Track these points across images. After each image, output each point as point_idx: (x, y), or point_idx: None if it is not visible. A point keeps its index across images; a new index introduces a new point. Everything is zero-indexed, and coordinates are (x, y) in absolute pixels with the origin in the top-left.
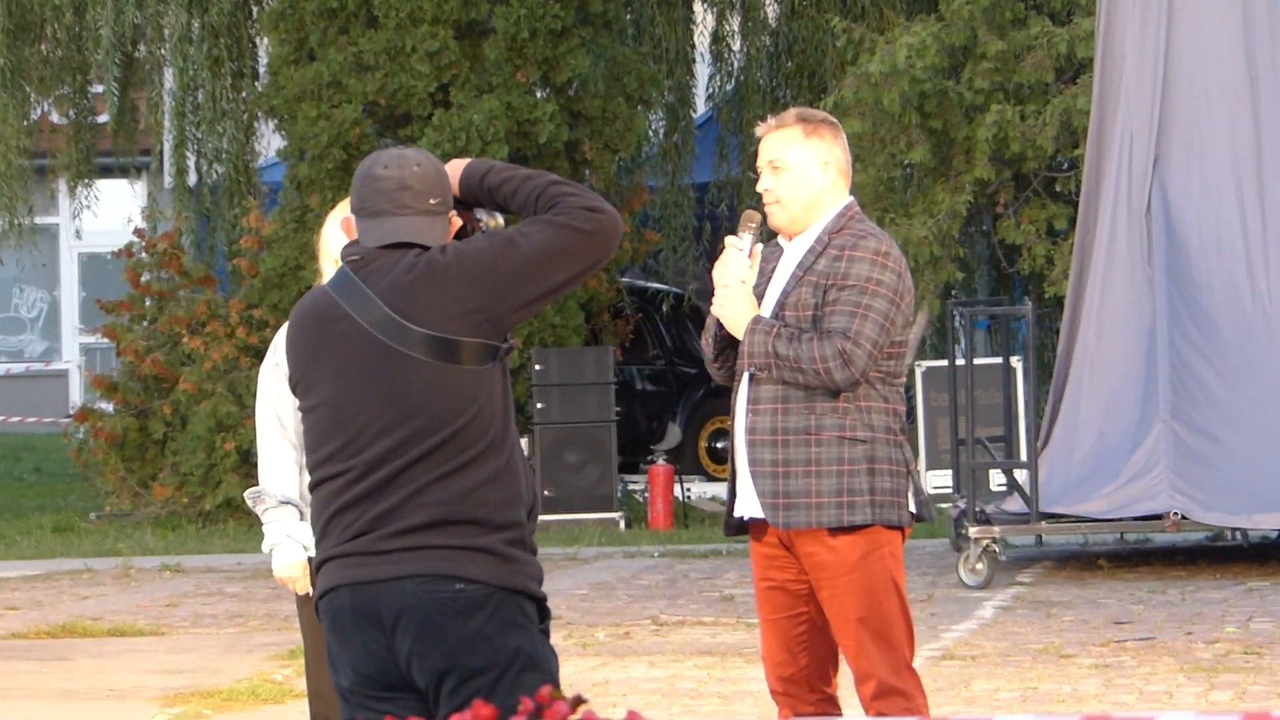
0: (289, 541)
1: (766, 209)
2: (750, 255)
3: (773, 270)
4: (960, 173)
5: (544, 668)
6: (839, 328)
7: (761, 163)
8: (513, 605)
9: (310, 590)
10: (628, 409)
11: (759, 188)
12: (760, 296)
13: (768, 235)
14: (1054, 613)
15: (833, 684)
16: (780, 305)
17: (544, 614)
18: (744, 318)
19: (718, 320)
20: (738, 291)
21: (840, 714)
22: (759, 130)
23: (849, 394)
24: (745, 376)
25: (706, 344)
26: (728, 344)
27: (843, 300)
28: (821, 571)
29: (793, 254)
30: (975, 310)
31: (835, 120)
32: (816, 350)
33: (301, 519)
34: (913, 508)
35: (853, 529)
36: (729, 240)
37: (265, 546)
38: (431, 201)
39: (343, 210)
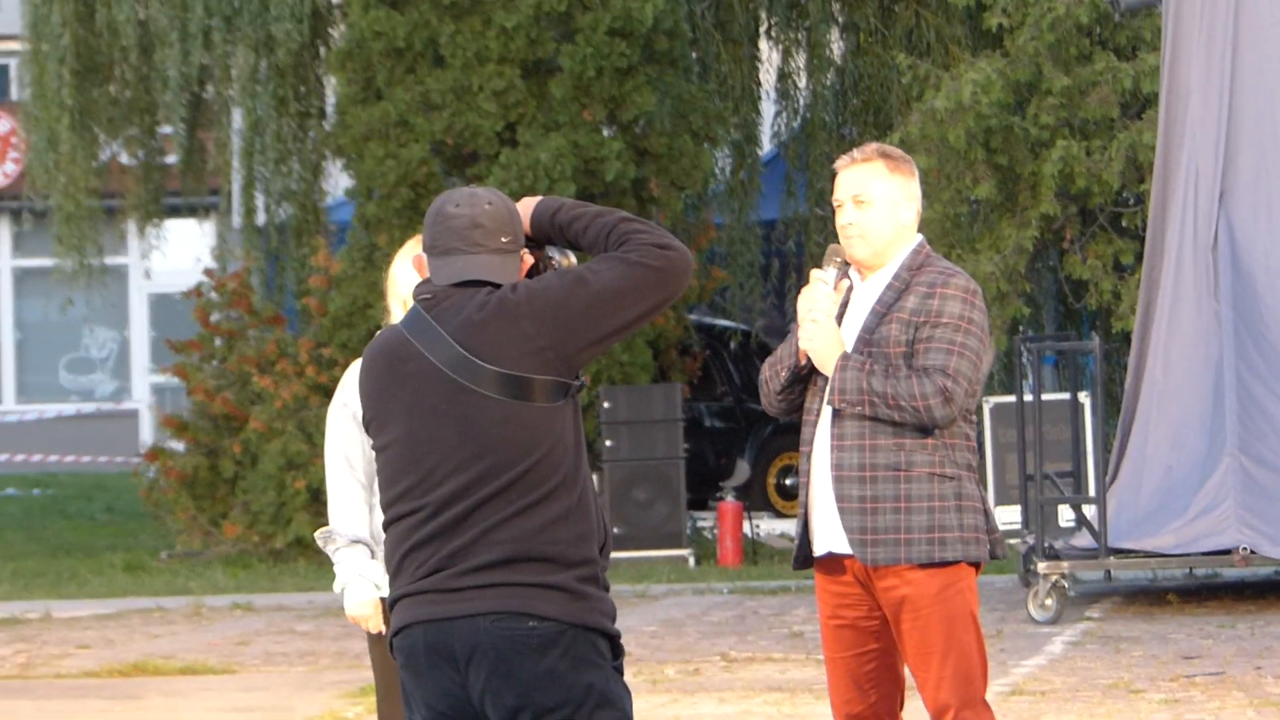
0: (361, 580)
1: (848, 242)
2: (835, 289)
3: (846, 304)
4: (1026, 208)
5: (617, 705)
6: (937, 365)
7: (841, 196)
8: (585, 642)
9: (383, 629)
10: (696, 446)
11: (841, 221)
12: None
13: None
14: (1123, 648)
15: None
16: (865, 341)
17: (617, 651)
18: (834, 353)
19: (793, 352)
20: (826, 326)
21: None
22: (839, 164)
23: (937, 431)
24: (826, 411)
25: (774, 375)
26: (797, 378)
27: (937, 338)
28: (903, 605)
29: (870, 290)
30: (1043, 346)
31: (911, 159)
32: (917, 388)
33: (373, 558)
34: (989, 545)
35: (940, 564)
36: (814, 273)
37: (337, 586)
38: (503, 239)
39: (411, 249)
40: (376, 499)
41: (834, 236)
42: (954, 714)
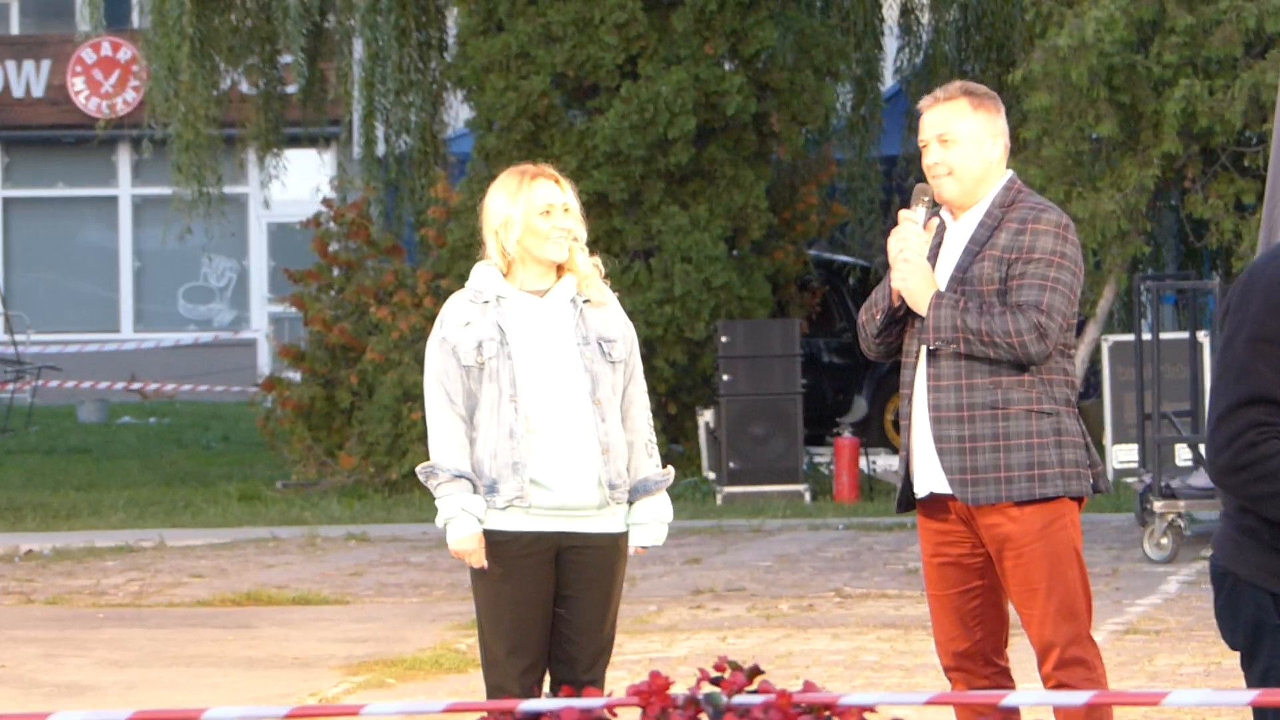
0: (464, 515)
1: (936, 182)
2: (925, 228)
3: (939, 244)
4: (1148, 147)
5: None
6: (1030, 301)
7: (927, 136)
8: None
9: (485, 564)
10: (814, 381)
11: (927, 161)
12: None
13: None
14: None
15: (1005, 657)
16: (958, 280)
17: None
18: (927, 292)
19: (886, 294)
20: (918, 265)
21: (1014, 686)
22: (922, 104)
23: (1034, 368)
24: (923, 352)
25: (870, 319)
26: (893, 320)
27: (1030, 274)
28: (1005, 543)
29: (962, 229)
30: (1162, 285)
31: (996, 94)
32: (1011, 324)
33: (475, 492)
34: (1091, 479)
35: (1042, 500)
36: (903, 214)
37: (440, 520)
38: None
39: (504, 183)
40: (476, 433)
41: None
42: (1060, 650)
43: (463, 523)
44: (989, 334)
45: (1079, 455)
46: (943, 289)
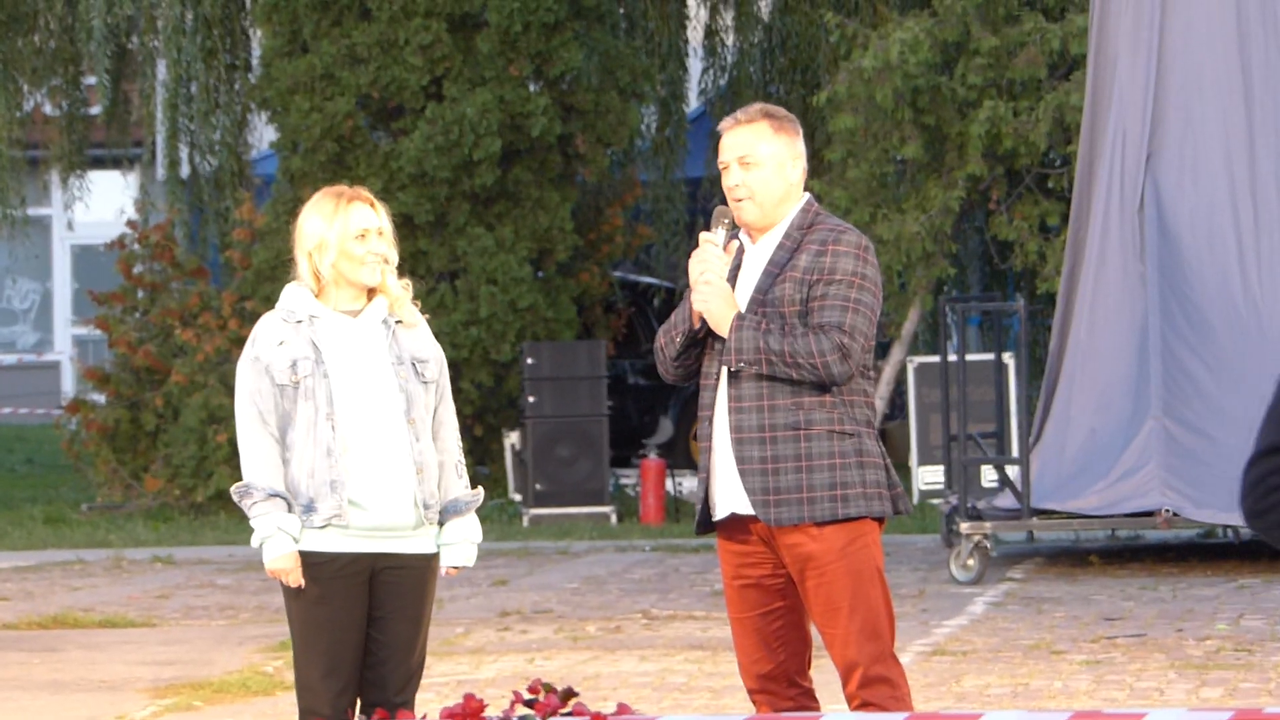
0: (280, 534)
1: (736, 205)
2: (725, 250)
3: (738, 266)
4: (953, 169)
5: None
6: (833, 322)
7: (727, 158)
8: None
9: (302, 583)
10: (620, 403)
11: (728, 183)
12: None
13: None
14: (1045, 609)
15: (809, 678)
16: (759, 302)
17: None
18: (729, 314)
19: (686, 317)
20: (719, 287)
21: (819, 708)
22: (723, 126)
23: (835, 389)
24: (723, 374)
25: (669, 341)
26: (693, 342)
27: (831, 295)
28: (808, 562)
29: (761, 251)
30: (968, 306)
31: (795, 118)
32: (814, 345)
33: (289, 511)
34: (891, 500)
35: (844, 520)
36: (704, 236)
37: (255, 540)
38: None
39: (317, 203)
40: (290, 453)
41: None
42: (864, 669)
43: (279, 542)
44: (792, 355)
45: (880, 476)
46: (744, 311)
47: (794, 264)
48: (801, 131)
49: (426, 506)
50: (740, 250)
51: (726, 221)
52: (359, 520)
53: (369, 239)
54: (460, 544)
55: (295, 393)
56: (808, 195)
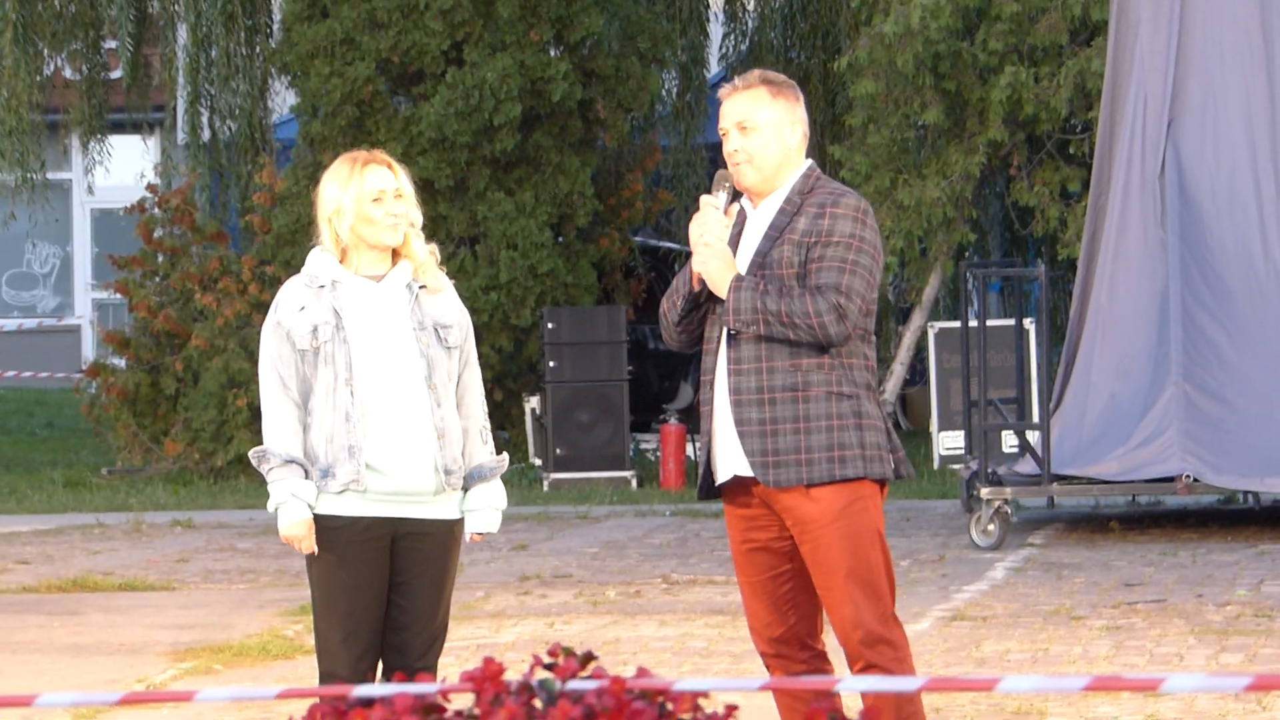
0: (294, 501)
1: (736, 169)
2: (726, 213)
3: (739, 232)
4: (974, 134)
5: None
6: (830, 283)
7: (727, 124)
8: None
9: (315, 549)
10: (640, 368)
11: (727, 149)
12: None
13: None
14: (1065, 574)
15: (820, 640)
16: (759, 265)
17: None
18: (727, 275)
19: (686, 280)
20: (719, 249)
21: (832, 670)
22: (722, 93)
23: (833, 350)
24: (724, 337)
25: (671, 306)
26: (694, 306)
27: (829, 256)
28: (806, 525)
29: (762, 215)
30: (988, 272)
31: (795, 84)
32: (810, 305)
33: (306, 477)
34: (893, 463)
35: (841, 481)
36: (704, 199)
37: (270, 505)
38: None
39: (338, 168)
40: (311, 418)
41: None
42: (865, 631)
43: (293, 508)
44: (789, 315)
45: (879, 439)
46: (743, 274)
47: (793, 226)
48: (802, 98)
49: (448, 472)
50: (742, 215)
51: (727, 185)
52: (377, 485)
53: (385, 201)
54: (484, 510)
55: (315, 358)
56: (809, 161)
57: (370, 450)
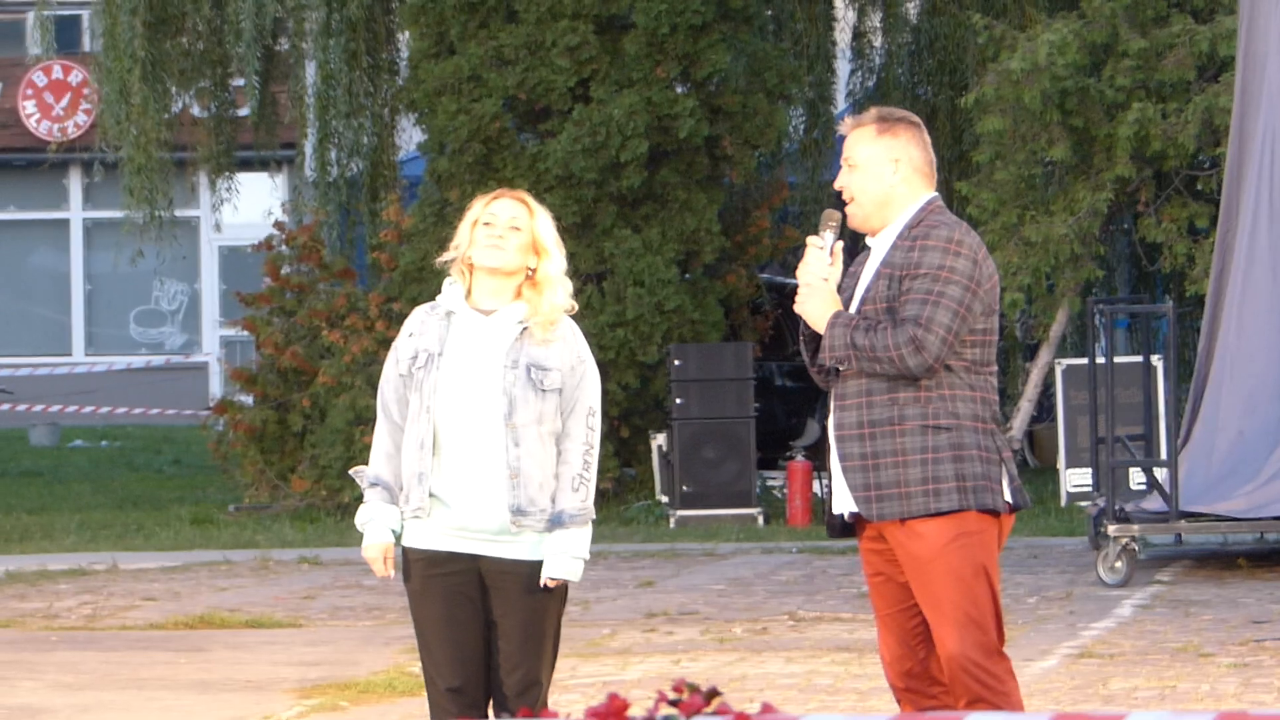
0: (374, 523)
1: (846, 208)
2: (831, 254)
3: (860, 271)
4: (1101, 170)
5: None
6: (911, 315)
7: (842, 161)
8: None
9: (390, 575)
10: (766, 405)
11: (836, 185)
12: (851, 297)
13: (850, 235)
14: (1193, 611)
15: None
16: (862, 300)
17: None
18: (825, 314)
19: (803, 322)
20: (820, 289)
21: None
22: (841, 128)
23: (931, 383)
24: (836, 375)
25: (806, 349)
26: (816, 344)
27: (915, 289)
28: (912, 560)
29: (877, 250)
30: (1116, 308)
31: (917, 120)
32: (890, 338)
33: (390, 501)
34: (1008, 495)
35: (940, 514)
36: (809, 240)
37: (357, 525)
38: None
39: (476, 202)
40: (405, 441)
41: None
42: (965, 661)
43: (373, 530)
44: (871, 349)
45: (979, 469)
46: (853, 311)
47: (890, 261)
48: (922, 133)
49: (522, 513)
50: (867, 253)
51: (833, 225)
52: (444, 517)
53: (495, 225)
54: (559, 556)
55: (409, 383)
56: (931, 194)
57: (437, 480)
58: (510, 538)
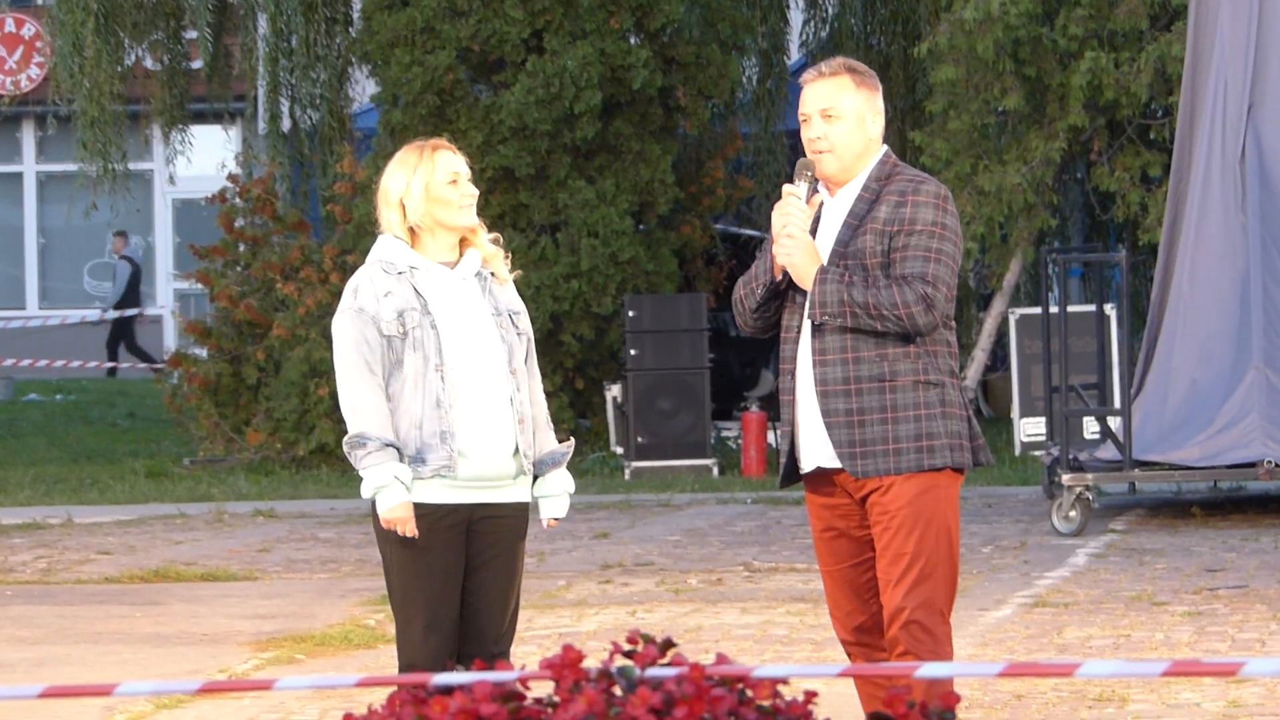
0: (395, 484)
1: (816, 157)
2: (808, 203)
3: (817, 220)
4: (1054, 120)
5: None
6: (916, 272)
7: (809, 110)
8: None
9: (415, 532)
10: (721, 356)
11: (808, 136)
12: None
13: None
14: (1147, 560)
15: None
16: (840, 254)
17: None
18: (812, 267)
19: (767, 269)
20: (803, 240)
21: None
22: (805, 78)
23: (919, 339)
24: (806, 327)
25: (749, 293)
26: (774, 295)
27: (913, 245)
28: (885, 515)
29: (840, 203)
30: (1069, 257)
31: (876, 74)
32: (898, 296)
33: (402, 460)
34: (972, 451)
35: (923, 471)
36: (787, 189)
37: (368, 490)
38: None
39: (403, 158)
40: (395, 404)
41: None
42: (907, 615)
43: (394, 492)
44: (876, 307)
45: (961, 427)
46: (826, 264)
47: (874, 215)
48: (881, 88)
49: (527, 457)
50: (820, 204)
51: (809, 174)
52: (465, 470)
53: (460, 183)
54: (559, 496)
55: (403, 344)
56: (885, 147)
57: (459, 436)
58: (512, 482)
